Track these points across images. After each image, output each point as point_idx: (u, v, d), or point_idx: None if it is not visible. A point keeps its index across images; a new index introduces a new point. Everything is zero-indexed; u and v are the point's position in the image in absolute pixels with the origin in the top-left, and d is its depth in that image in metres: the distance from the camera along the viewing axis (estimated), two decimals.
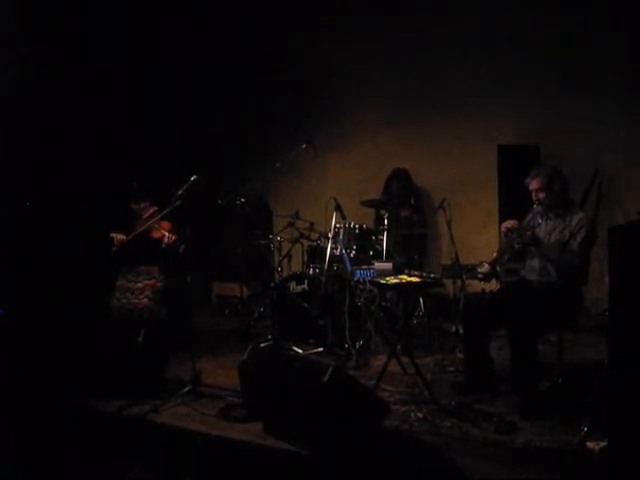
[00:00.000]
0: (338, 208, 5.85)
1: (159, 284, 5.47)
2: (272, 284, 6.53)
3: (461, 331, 5.25)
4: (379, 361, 5.09)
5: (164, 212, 5.06)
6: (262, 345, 5.71)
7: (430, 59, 7.25)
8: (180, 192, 4.86)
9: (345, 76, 7.74)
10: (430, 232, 7.24)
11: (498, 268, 4.73)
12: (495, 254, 4.51)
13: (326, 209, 5.87)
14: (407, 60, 7.38)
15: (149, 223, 5.26)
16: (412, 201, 7.03)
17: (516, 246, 4.48)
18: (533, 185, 4.46)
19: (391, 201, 6.71)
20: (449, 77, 7.18)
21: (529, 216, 4.60)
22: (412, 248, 6.60)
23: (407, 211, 6.92)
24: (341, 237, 6.01)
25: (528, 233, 4.36)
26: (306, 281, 5.98)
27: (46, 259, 5.99)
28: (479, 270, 4.56)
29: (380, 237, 6.15)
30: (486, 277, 4.56)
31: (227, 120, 8.18)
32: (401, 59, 7.42)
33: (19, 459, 3.95)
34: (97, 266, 5.72)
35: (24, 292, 5.67)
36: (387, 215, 6.18)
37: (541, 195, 4.43)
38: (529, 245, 4.41)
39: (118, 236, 5.50)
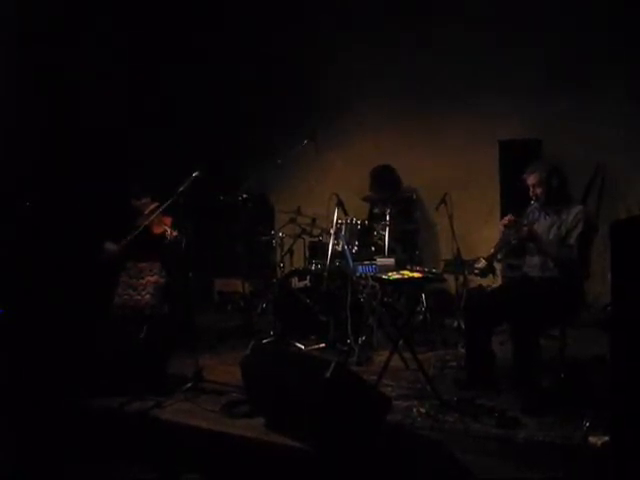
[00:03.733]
0: (340, 204, 5.86)
1: (161, 280, 5.48)
2: (274, 280, 6.54)
3: (463, 326, 5.25)
4: (381, 357, 5.09)
5: (164, 205, 5.06)
6: (264, 341, 5.72)
7: (431, 57, 7.25)
8: (182, 188, 4.86)
9: (346, 75, 7.74)
10: (432, 228, 7.24)
11: (495, 264, 4.72)
12: (492, 250, 4.51)
13: (328, 205, 5.87)
14: (408, 58, 7.38)
15: (151, 218, 5.25)
16: (414, 196, 7.02)
17: (513, 242, 4.48)
18: (531, 180, 4.44)
19: (390, 197, 6.69)
20: (449, 76, 7.18)
21: (527, 212, 4.59)
22: (405, 244, 6.59)
23: (396, 207, 6.82)
24: (343, 233, 6.01)
25: (525, 229, 4.35)
26: (308, 277, 6.00)
27: (46, 258, 5.99)
28: (476, 266, 4.56)
29: (382, 232, 6.15)
30: (482, 273, 4.56)
31: (229, 119, 8.17)
32: (402, 57, 7.42)
33: (19, 459, 3.95)
34: (98, 264, 5.72)
35: (24, 292, 5.67)
36: (388, 211, 6.19)
37: (539, 190, 4.42)
38: (526, 241, 4.41)
39: (109, 247, 5.47)
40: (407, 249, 6.50)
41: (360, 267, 4.96)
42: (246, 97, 8.06)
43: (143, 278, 5.45)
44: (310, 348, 5.61)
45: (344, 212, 5.97)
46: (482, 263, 4.50)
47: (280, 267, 6.75)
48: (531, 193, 4.47)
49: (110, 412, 4.20)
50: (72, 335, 4.86)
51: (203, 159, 6.88)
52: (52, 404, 4.33)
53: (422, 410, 4.08)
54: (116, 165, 6.86)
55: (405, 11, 7.34)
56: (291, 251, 6.72)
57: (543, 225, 4.46)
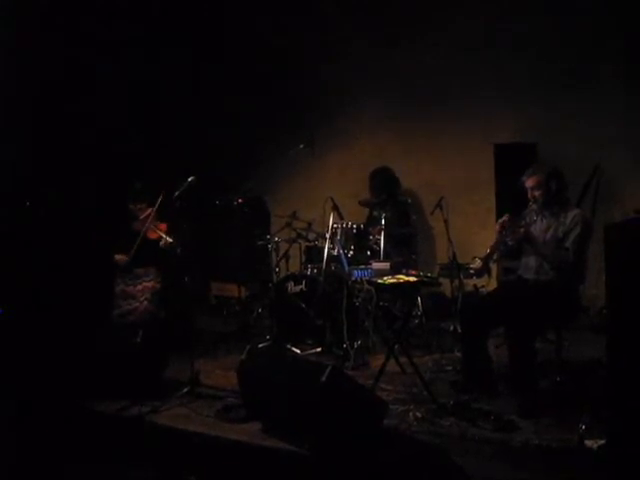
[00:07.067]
0: (335, 208, 5.86)
1: (157, 285, 5.47)
2: (270, 284, 6.53)
3: (459, 330, 5.25)
4: (377, 361, 5.08)
5: (156, 206, 5.05)
6: (260, 345, 5.71)
7: (429, 58, 7.24)
8: (178, 193, 4.86)
9: (344, 76, 7.73)
10: (429, 232, 7.24)
11: (490, 264, 4.72)
12: (488, 250, 4.51)
13: (324, 209, 5.87)
14: (406, 59, 7.37)
15: (147, 225, 5.24)
16: (409, 200, 7.02)
17: (509, 243, 4.48)
18: (530, 183, 4.45)
19: (387, 200, 6.69)
20: (448, 76, 7.18)
21: (524, 213, 4.60)
22: (402, 248, 6.59)
23: (392, 211, 6.82)
24: (339, 237, 6.01)
25: (521, 230, 4.35)
26: (304, 281, 5.98)
27: (46, 259, 5.97)
28: (471, 266, 4.58)
29: (377, 237, 6.15)
30: (477, 273, 4.58)
31: (226, 120, 8.17)
32: (400, 59, 7.41)
33: (19, 459, 3.94)
34: (97, 266, 5.72)
35: (24, 292, 5.65)
36: (384, 215, 6.19)
37: (537, 193, 4.42)
38: (522, 242, 4.41)
39: (120, 257, 5.50)
40: (403, 253, 6.50)
41: (356, 271, 4.97)
42: (245, 97, 8.06)
43: (140, 284, 5.44)
44: (306, 352, 5.60)
45: (340, 216, 5.97)
46: (477, 263, 4.52)
47: (276, 271, 6.74)
48: (529, 195, 4.47)
49: (107, 416, 4.19)
50: (72, 336, 4.85)
51: (202, 160, 6.91)
52: (51, 405, 4.33)
53: (419, 414, 4.08)
54: (116, 166, 6.86)
55: (405, 10, 7.35)
56: (287, 255, 6.71)
57: (540, 227, 4.47)
